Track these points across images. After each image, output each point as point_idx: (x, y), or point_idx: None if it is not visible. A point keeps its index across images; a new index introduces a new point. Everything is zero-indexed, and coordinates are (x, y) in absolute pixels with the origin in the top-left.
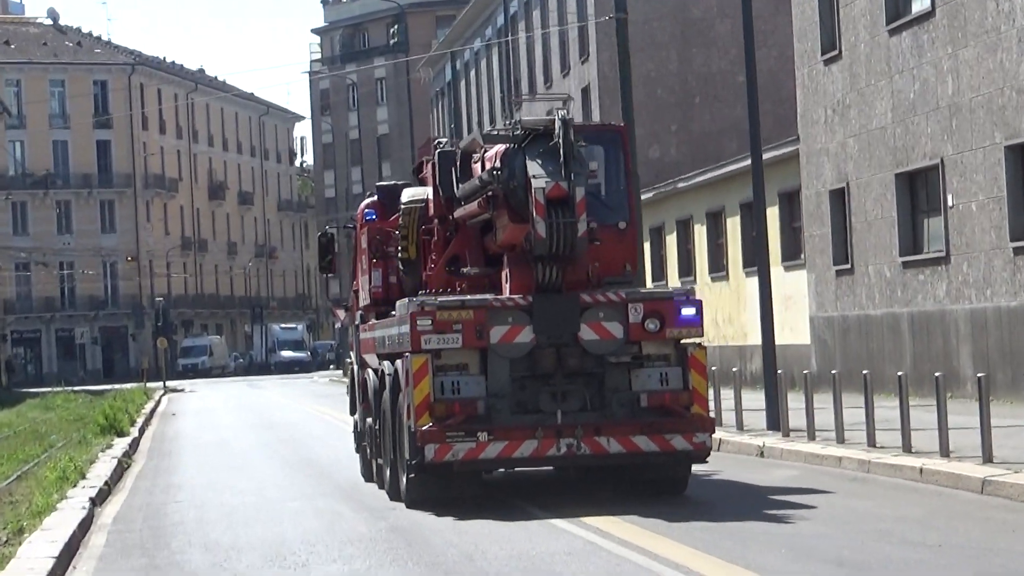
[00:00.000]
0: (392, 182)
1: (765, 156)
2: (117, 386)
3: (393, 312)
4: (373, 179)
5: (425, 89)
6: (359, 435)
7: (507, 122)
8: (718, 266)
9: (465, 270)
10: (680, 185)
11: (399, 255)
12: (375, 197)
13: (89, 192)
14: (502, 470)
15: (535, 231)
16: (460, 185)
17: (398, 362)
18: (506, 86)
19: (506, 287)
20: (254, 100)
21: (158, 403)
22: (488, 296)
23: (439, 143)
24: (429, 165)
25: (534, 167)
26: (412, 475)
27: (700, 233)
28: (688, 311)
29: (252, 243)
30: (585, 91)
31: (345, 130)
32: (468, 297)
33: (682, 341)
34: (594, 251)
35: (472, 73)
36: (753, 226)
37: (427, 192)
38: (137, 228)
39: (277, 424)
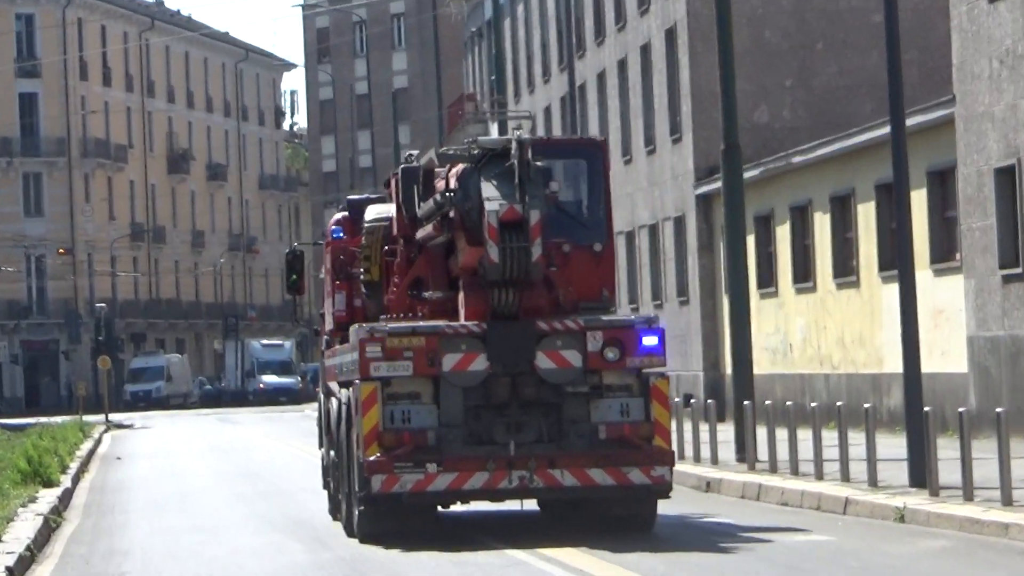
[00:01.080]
0: (364, 196)
1: (909, 122)
2: (44, 419)
3: None
4: (386, 147)
5: (457, 29)
6: (324, 470)
7: (465, 140)
8: (845, 268)
9: (427, 294)
10: (796, 160)
11: (362, 277)
12: (345, 212)
13: (8, 162)
14: (461, 504)
15: (487, 255)
16: (422, 204)
17: (349, 390)
18: (564, 27)
19: (462, 313)
20: (229, 42)
21: (98, 443)
22: (440, 323)
23: (410, 156)
24: (393, 181)
25: (488, 189)
26: (362, 508)
27: (822, 224)
28: (650, 340)
29: (225, 232)
30: (670, 34)
31: (350, 82)
32: (419, 324)
33: (644, 371)
34: (567, 275)
35: (520, 8)
36: (892, 216)
37: (392, 210)
38: (72, 211)
39: (257, 473)
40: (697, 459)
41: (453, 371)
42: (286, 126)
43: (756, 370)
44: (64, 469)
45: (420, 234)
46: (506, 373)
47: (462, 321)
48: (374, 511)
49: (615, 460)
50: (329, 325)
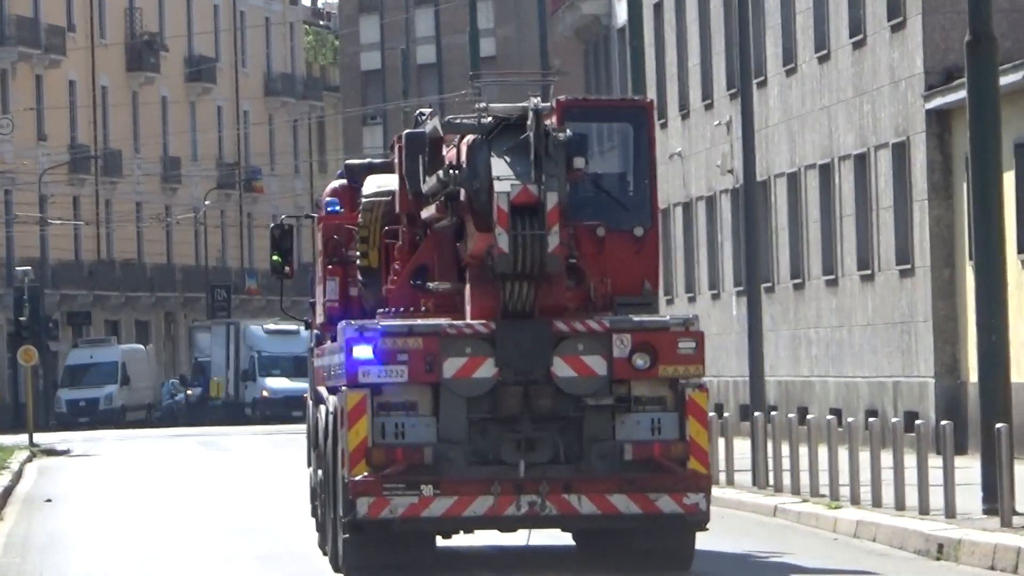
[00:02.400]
0: (367, 160)
1: None
2: None
3: None
4: (457, 34)
5: None
6: (312, 492)
7: (476, 106)
8: None
9: (432, 285)
10: None
11: (358, 262)
12: (343, 180)
13: None
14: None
15: (497, 244)
16: (427, 179)
17: (334, 397)
18: None
19: (468, 310)
20: None
21: (18, 477)
22: (441, 321)
23: (420, 115)
24: (397, 148)
25: (500, 166)
26: (346, 535)
27: None
28: (686, 345)
29: (212, 161)
30: None
31: None
32: (416, 322)
33: (680, 381)
34: (602, 264)
35: None
36: None
37: (395, 183)
38: None
39: (255, 527)
40: (924, 509)
41: (455, 378)
42: (306, 1)
43: (1016, 378)
44: None
45: (425, 214)
46: (517, 381)
47: (467, 320)
48: (360, 540)
49: (641, 485)
50: (320, 318)
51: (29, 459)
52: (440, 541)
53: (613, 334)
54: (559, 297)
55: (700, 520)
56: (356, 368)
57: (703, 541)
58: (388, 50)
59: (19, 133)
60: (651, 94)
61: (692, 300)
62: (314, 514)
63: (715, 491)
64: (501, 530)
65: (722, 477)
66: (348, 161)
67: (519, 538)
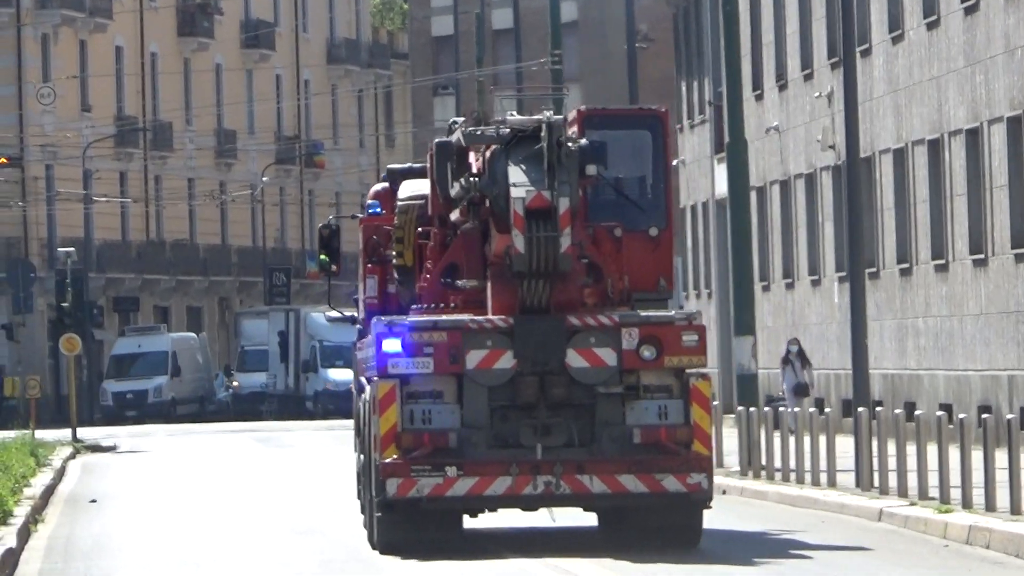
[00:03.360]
0: (407, 165)
1: None
2: None
3: None
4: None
5: None
6: (357, 476)
7: (494, 119)
8: None
9: (461, 283)
10: None
11: (394, 261)
12: (385, 184)
13: None
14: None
15: (514, 245)
16: (454, 184)
17: (369, 387)
18: None
19: (490, 306)
20: None
21: (61, 475)
22: (464, 316)
23: (454, 124)
24: (428, 155)
25: (516, 174)
26: (379, 514)
27: None
28: (690, 337)
29: (270, 134)
30: None
31: None
32: (441, 317)
33: (684, 371)
34: (619, 263)
35: None
36: None
37: (428, 187)
38: (21, 95)
39: (318, 528)
40: None
41: (477, 369)
42: None
43: None
44: (5, 518)
45: (454, 216)
46: (534, 372)
47: (488, 315)
48: (391, 518)
49: (649, 466)
50: (361, 313)
51: (72, 456)
52: (468, 523)
53: (622, 328)
54: (573, 294)
55: (703, 498)
56: (386, 360)
57: (799, 547)
58: (462, 14)
59: (61, 103)
60: (746, 63)
61: (790, 286)
62: (359, 497)
63: (816, 493)
64: (522, 509)
65: (823, 478)
66: (390, 166)
67: (543, 520)
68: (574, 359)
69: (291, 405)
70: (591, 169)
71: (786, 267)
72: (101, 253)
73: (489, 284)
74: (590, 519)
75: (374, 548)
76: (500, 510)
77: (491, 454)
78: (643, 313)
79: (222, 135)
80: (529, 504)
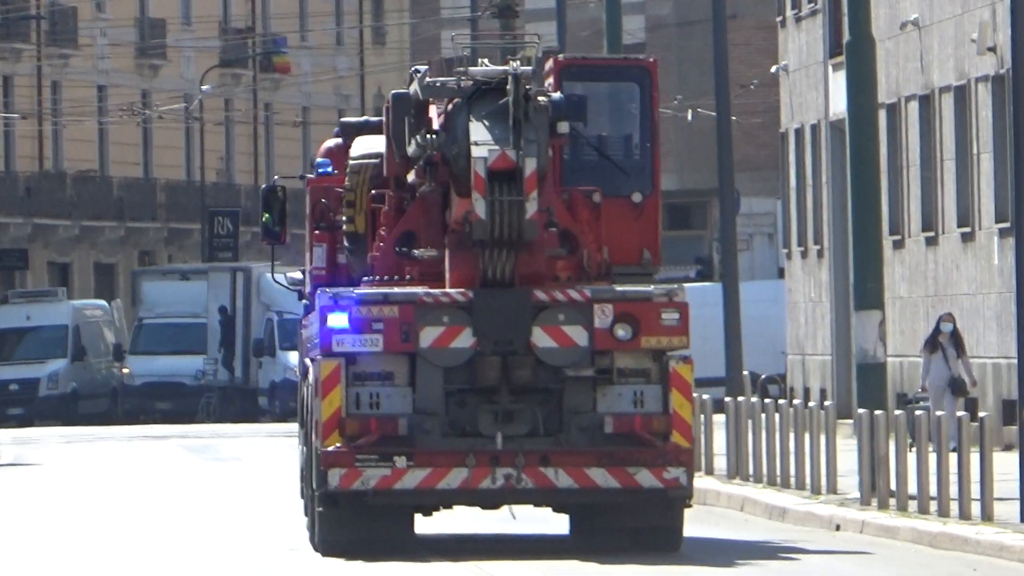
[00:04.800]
0: (364, 118)
1: None
2: None
3: None
4: None
5: None
6: (301, 471)
7: (455, 70)
8: None
9: (417, 252)
10: None
11: (344, 227)
12: (338, 140)
13: None
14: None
15: (474, 210)
16: (411, 141)
17: (313, 368)
18: None
19: (448, 278)
20: None
21: None
22: (418, 289)
23: (415, 72)
24: (385, 108)
25: (478, 130)
26: (320, 509)
27: None
28: (670, 315)
29: (212, 25)
30: None
31: None
32: (392, 290)
33: (664, 353)
34: (598, 232)
35: None
36: None
37: (383, 145)
38: None
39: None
40: None
41: (432, 348)
42: None
43: None
44: None
45: (412, 178)
46: (496, 352)
47: (446, 288)
48: (334, 514)
49: (621, 459)
50: (308, 286)
51: None
52: (424, 528)
53: (594, 304)
54: (540, 265)
55: (681, 495)
56: (330, 337)
57: None
58: None
59: None
60: None
61: (932, 242)
62: (302, 495)
63: (965, 530)
64: (480, 506)
65: (975, 508)
66: (343, 119)
67: (508, 524)
68: (540, 338)
69: (236, 401)
70: (563, 127)
71: (926, 216)
72: None
73: (447, 254)
74: (559, 523)
75: (315, 549)
76: (457, 509)
77: (446, 443)
78: (619, 288)
79: (146, 26)
80: (487, 500)
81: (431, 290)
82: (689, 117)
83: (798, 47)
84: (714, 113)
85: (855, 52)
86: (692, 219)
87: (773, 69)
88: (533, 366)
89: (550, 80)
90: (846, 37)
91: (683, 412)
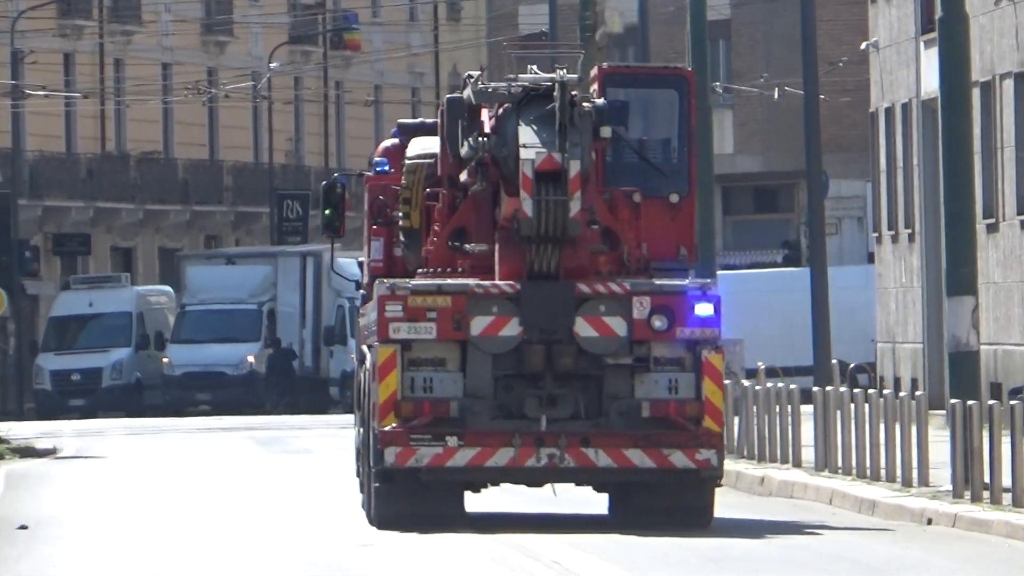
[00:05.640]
0: (419, 120)
1: None
2: None
3: None
4: None
5: None
6: (357, 452)
7: (506, 77)
8: None
9: (469, 247)
10: None
11: (400, 223)
12: (395, 140)
13: None
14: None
15: (522, 208)
16: (465, 143)
17: (370, 354)
18: None
19: (497, 271)
20: None
21: None
22: (469, 281)
23: (469, 77)
24: (439, 112)
25: (527, 134)
26: (377, 484)
27: None
28: (704, 309)
29: (280, 2)
30: None
31: None
32: (446, 281)
33: (697, 343)
34: (637, 229)
35: None
36: None
37: (438, 145)
38: None
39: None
40: None
41: (482, 336)
42: None
43: None
44: None
45: (464, 177)
46: (541, 340)
47: (495, 280)
48: (390, 489)
49: (656, 441)
50: (366, 277)
51: None
52: (473, 507)
53: (633, 296)
54: (583, 260)
55: (713, 475)
56: (387, 325)
57: None
58: None
59: None
60: None
61: None
62: (358, 474)
63: None
64: (525, 484)
65: None
66: (401, 120)
67: (551, 504)
68: (582, 328)
69: (306, 392)
70: (606, 131)
71: (1022, 198)
72: (36, 171)
73: (497, 248)
74: (597, 503)
75: (371, 523)
76: (504, 488)
77: (494, 424)
78: (657, 282)
79: (212, 1)
80: (532, 478)
81: (482, 282)
82: (776, 96)
83: (888, 23)
84: (801, 92)
85: (948, 28)
86: (779, 202)
87: (863, 46)
88: (575, 354)
89: (595, 87)
90: (938, 13)
91: (714, 399)
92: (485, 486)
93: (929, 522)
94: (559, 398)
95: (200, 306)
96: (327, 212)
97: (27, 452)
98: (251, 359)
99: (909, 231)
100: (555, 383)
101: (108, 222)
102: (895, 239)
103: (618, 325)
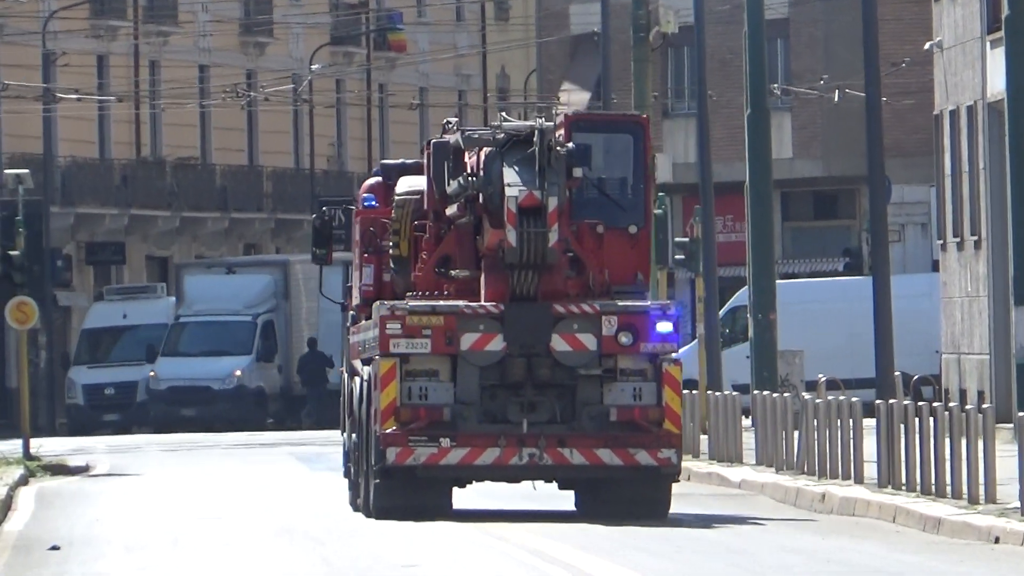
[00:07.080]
0: (399, 161)
1: None
2: None
3: None
4: None
5: None
6: (345, 455)
7: (491, 124)
8: None
9: (454, 272)
10: None
11: (391, 252)
12: (378, 178)
13: None
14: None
15: (507, 239)
16: (451, 182)
17: (368, 367)
18: None
19: (483, 294)
20: None
21: (5, 510)
22: (459, 302)
23: (448, 123)
24: (425, 154)
25: (510, 174)
26: (377, 481)
27: None
28: (664, 326)
29: (322, 1)
30: None
31: None
32: (439, 303)
33: (658, 356)
34: (600, 257)
35: None
36: None
37: (424, 183)
38: None
39: None
40: None
41: (470, 350)
42: None
43: None
44: None
45: (449, 211)
46: (522, 354)
47: (481, 302)
48: (388, 484)
49: (624, 442)
50: (356, 300)
51: (24, 480)
52: (457, 504)
53: (603, 316)
54: (558, 284)
55: (672, 472)
56: (388, 341)
57: None
58: None
59: None
60: None
61: None
62: (347, 475)
63: None
64: (508, 480)
65: None
66: (383, 161)
67: (528, 501)
68: (558, 343)
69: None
70: (578, 172)
71: None
72: (69, 178)
73: (483, 274)
74: (566, 500)
75: (369, 516)
76: (488, 486)
77: (481, 428)
78: (621, 303)
79: (251, 1)
80: (515, 474)
81: (470, 303)
82: (836, 98)
83: (953, 22)
84: (863, 94)
85: (1015, 27)
86: (839, 208)
87: (926, 46)
88: (552, 366)
89: (561, 132)
90: (1005, 11)
91: (673, 404)
92: (471, 482)
93: (996, 540)
94: (538, 404)
95: (194, 317)
96: (321, 247)
97: (59, 469)
98: (238, 373)
99: (975, 238)
100: (534, 391)
101: (143, 230)
102: (960, 246)
103: (589, 341)
